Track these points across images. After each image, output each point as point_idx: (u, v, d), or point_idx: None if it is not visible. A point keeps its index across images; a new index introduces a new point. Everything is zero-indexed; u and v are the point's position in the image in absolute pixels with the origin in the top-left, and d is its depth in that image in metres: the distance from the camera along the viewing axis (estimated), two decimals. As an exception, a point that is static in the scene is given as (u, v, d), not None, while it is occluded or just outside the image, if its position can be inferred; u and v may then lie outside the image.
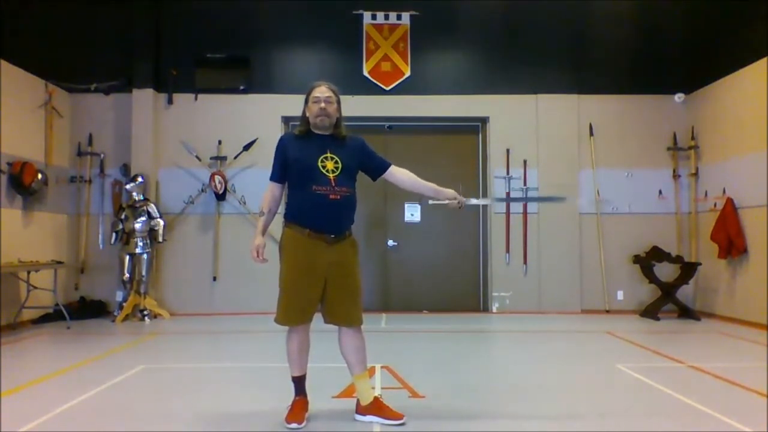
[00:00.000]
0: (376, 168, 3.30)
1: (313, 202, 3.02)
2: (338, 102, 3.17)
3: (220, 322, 6.89)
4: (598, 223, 7.78)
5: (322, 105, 3.09)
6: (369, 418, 3.15)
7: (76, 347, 5.52)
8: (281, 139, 3.23)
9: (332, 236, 3.07)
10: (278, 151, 3.18)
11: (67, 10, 7.52)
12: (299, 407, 3.15)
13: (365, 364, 3.22)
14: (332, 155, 3.09)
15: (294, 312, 3.08)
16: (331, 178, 3.04)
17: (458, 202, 3.25)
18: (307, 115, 3.16)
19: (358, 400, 3.22)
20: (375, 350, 4.79)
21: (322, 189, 3.02)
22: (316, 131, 3.16)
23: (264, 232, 3.18)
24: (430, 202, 3.40)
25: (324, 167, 3.05)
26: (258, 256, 3.12)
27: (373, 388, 3.57)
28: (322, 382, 3.92)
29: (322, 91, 3.13)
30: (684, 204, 7.82)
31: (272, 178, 3.21)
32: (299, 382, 3.22)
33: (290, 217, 3.12)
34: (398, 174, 3.31)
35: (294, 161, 3.09)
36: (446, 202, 3.27)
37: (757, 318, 6.39)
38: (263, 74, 7.83)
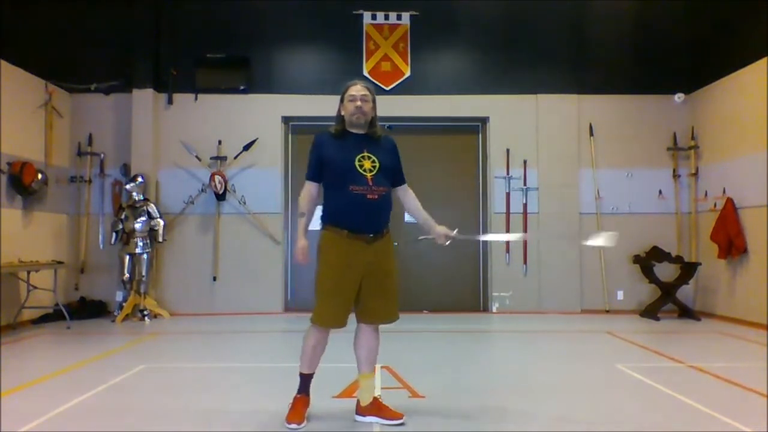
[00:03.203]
0: (395, 179, 3.24)
1: (351, 203, 3.00)
2: (374, 101, 3.16)
3: (220, 322, 6.89)
4: (598, 223, 7.78)
5: (358, 103, 3.08)
6: (369, 418, 3.15)
7: (76, 347, 5.52)
8: (317, 138, 3.19)
9: (371, 236, 3.05)
10: (314, 150, 3.15)
11: (66, 10, 7.52)
12: (301, 405, 3.15)
13: (374, 365, 3.23)
14: (369, 154, 3.08)
15: (334, 314, 3.04)
16: (369, 177, 3.02)
17: (446, 238, 3.22)
18: (342, 113, 3.14)
19: (358, 401, 3.22)
20: (375, 350, 4.80)
21: (359, 189, 3.00)
22: (352, 130, 3.14)
23: (306, 233, 3.12)
24: (420, 237, 3.38)
25: (361, 167, 3.03)
26: (304, 259, 3.08)
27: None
28: (322, 382, 3.92)
29: (357, 89, 3.11)
30: (684, 204, 7.82)
31: (310, 178, 3.16)
32: (306, 380, 3.20)
33: (328, 219, 3.09)
34: (408, 194, 3.31)
35: (331, 161, 3.07)
36: (433, 236, 3.25)
37: (757, 318, 6.39)
38: (263, 74, 7.83)
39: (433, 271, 7.95)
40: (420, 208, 3.32)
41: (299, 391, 3.19)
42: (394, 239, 3.23)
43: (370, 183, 3.01)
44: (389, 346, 5.57)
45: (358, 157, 3.05)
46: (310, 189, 3.16)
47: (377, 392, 3.27)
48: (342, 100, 3.15)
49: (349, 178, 3.00)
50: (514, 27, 7.96)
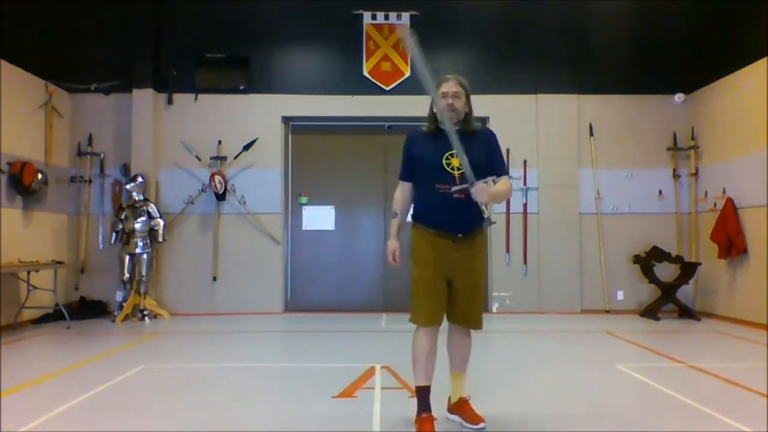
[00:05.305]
0: (490, 170, 2.98)
1: (436, 201, 2.93)
2: (467, 96, 3.07)
3: (220, 322, 6.89)
4: (598, 223, 7.78)
5: (450, 101, 2.97)
6: (454, 417, 3.17)
7: (76, 347, 5.52)
8: (408, 137, 3.16)
9: (459, 236, 2.96)
10: (405, 150, 3.14)
11: (66, 9, 7.51)
12: (428, 426, 2.90)
13: (465, 365, 3.24)
14: None
15: (433, 311, 3.00)
16: (456, 175, 2.90)
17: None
18: (435, 110, 3.04)
19: (449, 398, 3.24)
20: (375, 350, 4.80)
21: (445, 187, 2.90)
22: (444, 127, 2.94)
23: (398, 234, 3.12)
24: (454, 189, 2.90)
25: (449, 165, 2.93)
26: (395, 260, 3.09)
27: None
28: (322, 382, 3.93)
29: (449, 86, 3.01)
30: (684, 204, 7.82)
31: (401, 177, 3.15)
32: (425, 395, 3.00)
33: (416, 217, 3.07)
34: (503, 185, 3.03)
35: (419, 159, 3.03)
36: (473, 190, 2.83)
37: (757, 318, 6.39)
38: (263, 74, 7.83)
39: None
40: (505, 191, 3.01)
41: (420, 411, 2.97)
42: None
43: (458, 182, 2.88)
44: (389, 346, 5.59)
45: (446, 154, 2.94)
46: (404, 189, 3.13)
47: (377, 391, 3.25)
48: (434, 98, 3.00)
49: (436, 176, 2.92)
50: (514, 27, 7.96)
